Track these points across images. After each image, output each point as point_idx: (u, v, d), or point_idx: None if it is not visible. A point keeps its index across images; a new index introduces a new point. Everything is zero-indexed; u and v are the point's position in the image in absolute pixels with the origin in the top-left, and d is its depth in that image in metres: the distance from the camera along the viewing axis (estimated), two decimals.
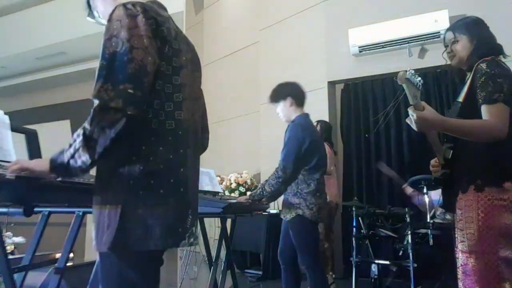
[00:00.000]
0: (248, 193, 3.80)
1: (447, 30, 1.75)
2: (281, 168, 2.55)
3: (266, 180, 2.61)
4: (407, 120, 1.49)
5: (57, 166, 1.09)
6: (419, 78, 1.40)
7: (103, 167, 1.16)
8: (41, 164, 1.12)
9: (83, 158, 1.06)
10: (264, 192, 2.59)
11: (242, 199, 2.72)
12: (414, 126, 1.47)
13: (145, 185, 1.12)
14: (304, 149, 2.57)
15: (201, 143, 1.47)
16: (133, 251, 1.11)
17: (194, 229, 1.24)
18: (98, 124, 1.05)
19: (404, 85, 1.37)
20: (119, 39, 1.10)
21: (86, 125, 1.07)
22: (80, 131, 1.08)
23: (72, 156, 1.07)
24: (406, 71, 1.36)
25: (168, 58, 1.20)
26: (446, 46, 1.75)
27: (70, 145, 1.08)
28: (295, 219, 2.61)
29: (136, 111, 1.07)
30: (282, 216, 2.73)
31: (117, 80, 1.07)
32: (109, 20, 1.14)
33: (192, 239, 1.22)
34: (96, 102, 1.07)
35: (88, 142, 1.06)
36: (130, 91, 1.06)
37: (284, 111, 2.76)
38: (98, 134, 1.05)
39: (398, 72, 1.36)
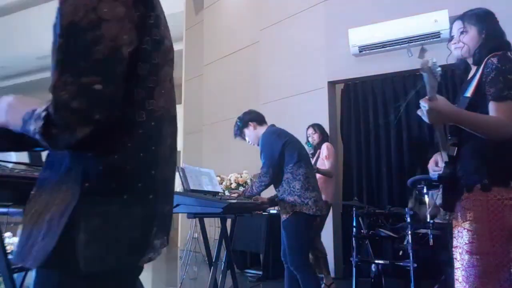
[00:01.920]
0: (241, 189, 3.89)
1: (456, 19, 1.68)
2: (263, 174, 2.76)
3: (254, 182, 2.84)
4: (419, 112, 1.43)
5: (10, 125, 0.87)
6: (439, 68, 1.33)
7: (53, 158, 0.91)
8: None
9: (42, 142, 0.81)
10: (253, 193, 2.83)
11: (236, 194, 2.96)
12: (425, 118, 1.41)
13: (105, 190, 0.86)
14: (278, 151, 2.75)
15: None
16: (92, 273, 0.85)
17: (156, 242, 0.96)
18: (58, 123, 0.78)
19: (425, 74, 1.31)
20: (80, 4, 0.78)
21: (51, 109, 0.77)
22: (43, 112, 0.78)
23: (28, 132, 0.82)
24: (429, 60, 1.30)
25: (150, 29, 0.90)
26: (452, 37, 1.67)
27: (30, 118, 0.82)
28: (290, 218, 2.69)
29: (104, 116, 0.79)
30: (281, 213, 2.82)
31: (79, 70, 0.77)
32: None
33: (152, 254, 0.96)
34: (52, 100, 0.78)
35: (49, 130, 0.78)
36: (97, 87, 0.77)
37: (252, 136, 2.98)
38: (58, 131, 0.78)
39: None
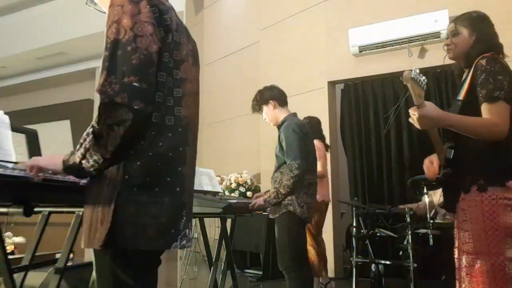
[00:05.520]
0: (249, 193, 3.70)
1: (451, 21, 1.72)
2: (295, 167, 2.46)
3: (279, 183, 2.52)
4: (410, 120, 1.48)
5: (69, 166, 1.08)
6: (424, 77, 1.38)
7: None
8: (54, 163, 1.11)
9: (95, 157, 1.03)
10: (280, 195, 2.51)
11: (258, 202, 2.63)
12: (417, 125, 1.45)
13: (141, 182, 1.06)
14: (304, 144, 2.55)
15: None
16: (126, 250, 1.06)
17: (188, 231, 1.16)
18: (106, 122, 1.01)
19: (408, 85, 1.36)
20: (121, 27, 1.04)
21: (95, 123, 1.03)
22: (89, 129, 1.04)
23: (84, 157, 1.05)
24: (411, 70, 1.34)
25: (170, 49, 1.15)
26: (447, 38, 1.72)
27: (81, 145, 1.06)
28: (284, 215, 2.52)
29: (142, 104, 1.02)
30: (270, 215, 2.63)
31: (121, 73, 1.01)
32: (110, 5, 1.08)
33: (184, 241, 1.14)
34: (100, 97, 1.02)
35: (98, 141, 1.02)
36: (135, 84, 1.01)
37: (269, 115, 2.74)
38: (106, 132, 1.01)
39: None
